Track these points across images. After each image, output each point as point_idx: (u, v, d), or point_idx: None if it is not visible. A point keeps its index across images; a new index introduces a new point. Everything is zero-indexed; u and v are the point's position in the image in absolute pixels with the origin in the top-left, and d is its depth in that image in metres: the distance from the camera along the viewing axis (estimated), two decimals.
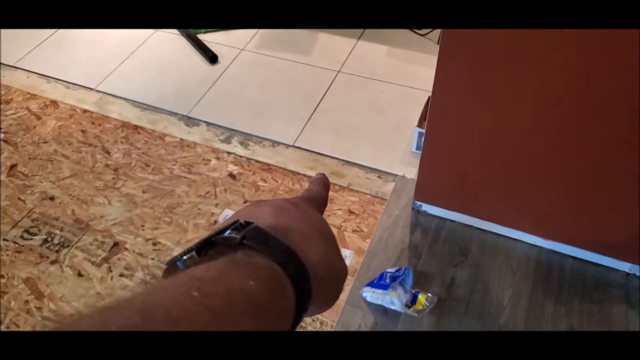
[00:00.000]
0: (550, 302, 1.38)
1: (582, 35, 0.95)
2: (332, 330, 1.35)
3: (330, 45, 2.20)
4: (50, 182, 1.74)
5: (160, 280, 0.27)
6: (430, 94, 1.23)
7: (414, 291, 1.38)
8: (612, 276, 1.43)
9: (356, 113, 1.91)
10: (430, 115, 1.26)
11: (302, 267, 0.29)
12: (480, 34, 1.03)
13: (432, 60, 1.14)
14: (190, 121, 1.94)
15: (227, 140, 1.86)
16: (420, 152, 1.66)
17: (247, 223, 0.30)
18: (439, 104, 1.22)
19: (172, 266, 0.29)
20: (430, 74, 1.17)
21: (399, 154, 1.76)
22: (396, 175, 1.70)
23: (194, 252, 0.28)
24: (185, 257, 0.28)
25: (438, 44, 1.10)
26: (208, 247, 0.29)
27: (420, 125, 1.66)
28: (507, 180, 1.33)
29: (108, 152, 1.83)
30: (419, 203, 1.56)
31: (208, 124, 1.92)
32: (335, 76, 2.06)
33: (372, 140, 1.81)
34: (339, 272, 0.34)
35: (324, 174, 0.44)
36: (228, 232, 0.29)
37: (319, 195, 0.41)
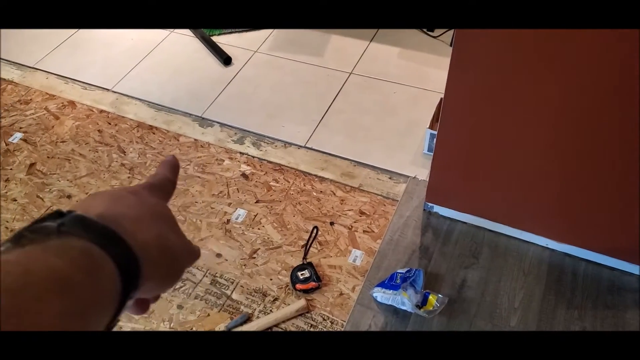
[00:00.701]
0: (563, 306, 1.38)
1: (595, 38, 0.95)
2: (343, 329, 1.36)
3: (342, 47, 2.21)
4: (68, 180, 1.78)
5: None
6: (442, 95, 1.23)
7: (424, 292, 1.38)
8: (627, 280, 1.41)
9: (368, 114, 1.92)
10: (442, 117, 1.27)
11: (126, 246, 0.30)
12: (493, 36, 1.03)
13: (445, 62, 1.15)
14: (204, 122, 1.96)
15: (240, 141, 1.88)
16: (431, 153, 1.66)
17: (69, 212, 0.30)
18: (451, 105, 1.22)
19: None
20: (443, 75, 1.18)
21: (410, 156, 1.76)
22: (407, 176, 1.70)
23: (9, 243, 0.28)
24: (3, 248, 0.28)
25: (451, 46, 1.10)
26: (23, 238, 0.28)
27: (432, 126, 1.66)
28: (519, 182, 1.32)
29: (124, 152, 1.86)
30: (430, 204, 1.56)
31: (222, 124, 1.94)
32: (347, 78, 2.07)
33: (383, 141, 1.82)
34: (176, 251, 0.35)
35: (174, 156, 0.45)
36: (46, 221, 0.29)
37: (164, 180, 0.42)
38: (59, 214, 0.30)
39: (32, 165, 1.84)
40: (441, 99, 1.72)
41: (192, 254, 0.38)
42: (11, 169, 1.83)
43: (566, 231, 1.42)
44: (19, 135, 1.95)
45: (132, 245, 0.30)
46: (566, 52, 1.00)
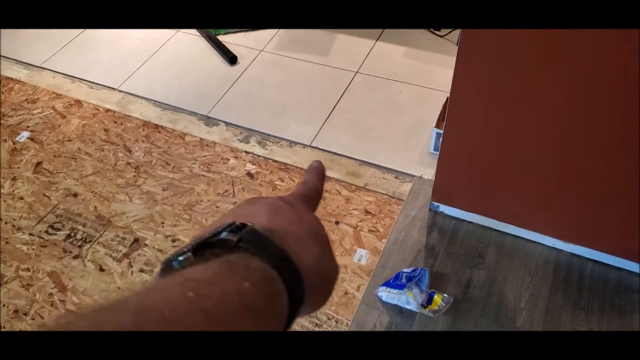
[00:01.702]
0: (569, 306, 1.37)
1: (602, 38, 0.94)
2: (348, 329, 1.35)
3: (348, 46, 2.20)
4: (74, 179, 1.79)
5: (156, 280, 0.27)
6: (448, 94, 1.22)
7: (430, 291, 1.38)
8: (634, 280, 1.40)
9: (374, 113, 1.91)
10: (448, 116, 1.26)
11: (297, 271, 0.29)
12: (499, 35, 1.03)
13: (451, 61, 1.15)
14: (209, 121, 1.97)
15: (246, 140, 1.88)
16: (438, 153, 1.66)
17: (243, 225, 0.30)
18: (457, 105, 1.22)
19: (168, 266, 0.28)
20: (449, 75, 1.17)
21: (416, 155, 1.76)
22: (413, 175, 1.69)
23: (190, 253, 0.28)
24: (181, 258, 0.28)
25: (457, 45, 1.10)
26: (204, 248, 0.29)
27: (438, 126, 1.66)
28: (526, 182, 1.31)
29: (129, 151, 1.87)
30: (436, 204, 1.56)
31: (227, 124, 1.95)
32: (353, 77, 2.07)
33: (389, 140, 1.81)
34: (331, 274, 0.34)
35: (320, 162, 0.43)
36: (224, 233, 0.29)
37: (314, 190, 0.40)
38: (232, 226, 0.29)
39: (38, 163, 1.85)
40: (447, 98, 1.72)
41: (338, 273, 0.37)
42: (18, 168, 1.84)
43: (573, 231, 1.41)
44: (26, 134, 1.96)
45: (300, 270, 0.30)
46: (572, 51, 0.99)
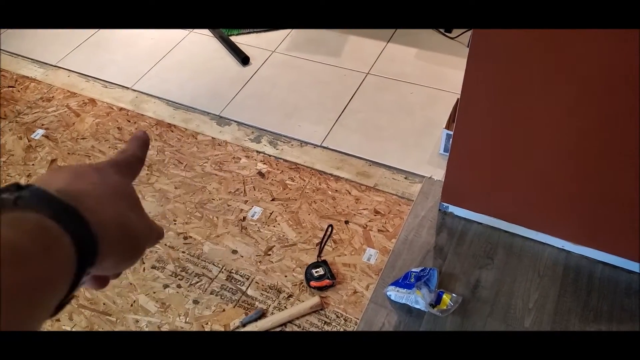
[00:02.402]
0: (578, 308, 1.37)
1: (614, 38, 0.94)
2: (356, 327, 1.36)
3: (359, 48, 2.22)
4: None
5: None
6: (459, 96, 1.23)
7: (438, 291, 1.38)
8: None
9: (384, 114, 1.93)
10: (458, 117, 1.27)
11: (83, 223, 0.30)
12: (510, 37, 1.04)
13: (462, 62, 1.15)
14: (221, 121, 1.99)
15: (257, 140, 1.90)
16: (447, 154, 1.66)
17: (28, 185, 0.30)
18: (467, 106, 1.23)
19: None
20: (460, 76, 1.18)
21: (426, 156, 1.77)
22: (423, 176, 1.70)
23: None
24: None
25: (468, 47, 1.11)
26: None
27: (448, 127, 1.67)
28: (535, 183, 1.32)
29: None
30: (445, 204, 1.57)
31: (239, 123, 1.97)
32: (365, 78, 2.08)
33: (399, 141, 1.82)
34: (136, 230, 0.35)
35: (144, 132, 0.43)
36: (4, 194, 0.29)
37: (131, 156, 0.41)
38: (18, 187, 0.30)
39: (53, 161, 1.88)
40: (458, 99, 1.72)
41: (153, 233, 0.38)
42: (33, 165, 1.87)
43: (583, 233, 1.41)
44: (41, 131, 2.00)
45: (90, 222, 0.30)
46: (584, 53, 1.00)
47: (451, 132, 1.64)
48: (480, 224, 1.56)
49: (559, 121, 1.15)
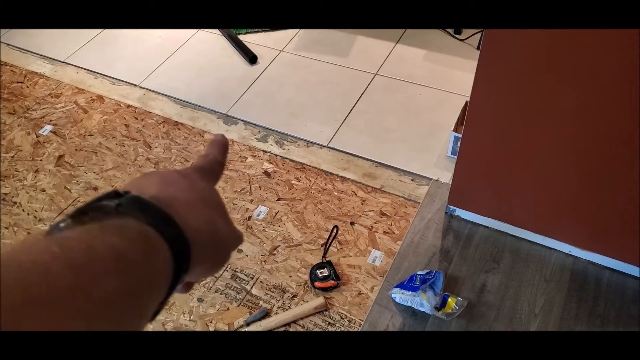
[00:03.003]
0: (585, 314, 1.36)
1: (626, 40, 0.93)
2: (360, 328, 1.36)
3: (368, 48, 2.21)
4: (95, 173, 1.82)
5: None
6: (468, 98, 1.23)
7: (444, 294, 1.37)
8: None
9: (392, 115, 1.92)
10: (467, 120, 1.26)
11: (178, 230, 0.30)
12: (522, 39, 1.03)
13: (471, 65, 1.15)
14: (228, 119, 1.99)
15: (264, 139, 1.89)
16: (455, 156, 1.65)
17: (126, 192, 0.31)
18: (477, 109, 1.22)
19: (50, 234, 0.28)
20: (469, 78, 1.17)
21: (433, 158, 1.76)
22: (430, 179, 1.69)
23: (69, 220, 0.28)
24: (62, 225, 0.28)
25: (478, 49, 1.10)
26: (84, 215, 0.29)
27: (456, 129, 1.66)
28: (544, 188, 1.31)
29: (149, 147, 1.90)
30: (452, 207, 1.56)
31: (246, 122, 1.97)
32: (372, 79, 2.08)
33: (406, 143, 1.82)
34: (225, 237, 0.36)
35: (223, 135, 0.44)
36: (105, 200, 0.30)
37: (213, 162, 0.41)
38: (116, 194, 0.31)
39: (60, 157, 1.89)
40: (466, 102, 1.71)
41: (237, 238, 0.39)
42: (41, 160, 1.88)
43: (591, 238, 1.40)
44: (49, 127, 2.00)
45: (185, 230, 0.31)
46: (597, 56, 0.99)
47: (459, 135, 1.63)
48: (487, 227, 1.55)
49: (568, 125, 1.14)
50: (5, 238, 1.63)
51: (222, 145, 0.43)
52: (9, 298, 0.21)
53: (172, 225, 0.30)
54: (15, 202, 1.74)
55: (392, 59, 2.15)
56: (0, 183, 1.80)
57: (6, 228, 1.66)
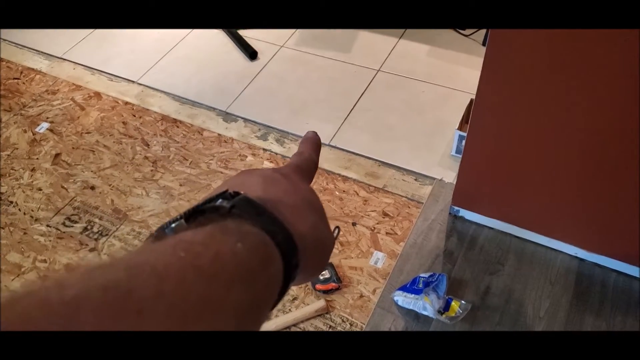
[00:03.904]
0: (590, 317, 1.33)
1: (634, 40, 0.90)
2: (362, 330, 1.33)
3: (370, 44, 2.17)
4: (92, 171, 1.79)
5: (148, 242, 0.26)
6: (473, 96, 1.19)
7: (447, 297, 1.35)
8: None
9: (395, 113, 1.88)
10: (472, 119, 1.23)
11: (291, 237, 0.29)
12: (529, 36, 0.99)
13: (476, 61, 1.11)
14: (228, 117, 1.95)
15: (264, 137, 1.86)
16: (459, 155, 1.62)
17: (237, 193, 0.30)
18: (482, 107, 1.18)
19: (161, 233, 0.28)
20: (474, 75, 1.14)
21: (437, 157, 1.72)
22: (434, 178, 1.66)
23: (182, 220, 0.28)
24: (174, 225, 0.28)
25: (483, 45, 1.07)
26: (197, 215, 0.28)
27: (461, 128, 1.62)
28: (550, 189, 1.28)
29: (147, 145, 1.87)
30: (456, 208, 1.53)
31: (245, 120, 1.93)
32: (375, 75, 2.04)
33: (410, 141, 1.78)
34: (327, 242, 0.34)
35: (315, 133, 0.42)
36: (219, 200, 0.29)
37: (309, 161, 0.40)
38: (227, 194, 0.29)
39: (57, 155, 1.86)
40: (471, 99, 1.68)
41: (333, 243, 0.37)
42: (37, 159, 1.85)
43: (597, 240, 1.37)
44: (45, 125, 1.97)
45: (293, 235, 0.29)
46: (605, 56, 0.95)
47: (464, 134, 1.60)
48: (492, 228, 1.52)
49: (577, 126, 1.10)
50: (2, 238, 1.60)
51: (316, 142, 0.41)
52: (151, 306, 0.20)
53: (284, 233, 0.29)
54: (11, 202, 1.71)
55: (395, 54, 2.11)
56: (0, 179, 1.77)
57: (2, 228, 1.63)
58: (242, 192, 0.30)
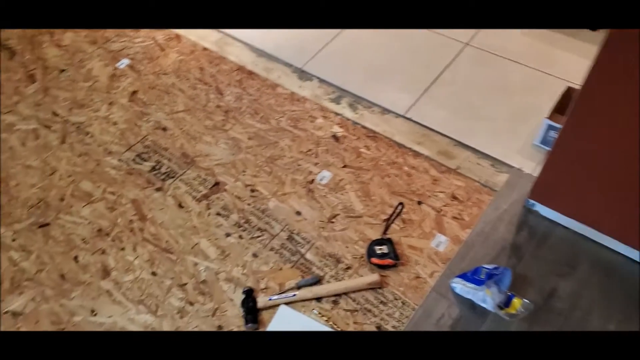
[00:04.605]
0: None
1: None
2: (414, 313, 1.30)
3: None
4: (165, 113, 1.82)
5: None
6: (570, 84, 1.08)
7: (509, 293, 1.28)
8: None
9: (478, 91, 1.77)
10: (574, 111, 1.13)
11: None
12: None
13: (579, 46, 1.00)
14: (303, 75, 1.91)
15: (337, 101, 1.81)
16: (543, 145, 1.51)
17: None
18: (589, 100, 1.08)
19: None
20: (574, 61, 1.04)
21: (518, 144, 1.62)
22: (511, 166, 1.56)
23: None
24: None
25: (593, 29, 0.95)
26: None
27: (551, 117, 1.50)
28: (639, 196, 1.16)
29: (221, 93, 1.87)
30: (532, 201, 1.43)
31: (320, 80, 1.88)
32: (462, 48, 1.92)
33: (491, 124, 1.68)
34: None
35: None
36: None
37: None
38: None
39: (134, 92, 1.90)
40: (569, 88, 1.55)
41: None
42: (115, 93, 1.89)
43: None
44: (126, 61, 2.01)
45: None
46: None
47: (553, 123, 1.48)
48: (567, 228, 1.42)
49: None
50: (77, 166, 1.67)
51: None
52: None
53: None
54: (88, 132, 1.77)
55: (487, 29, 1.97)
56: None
57: (78, 156, 1.70)
58: None
